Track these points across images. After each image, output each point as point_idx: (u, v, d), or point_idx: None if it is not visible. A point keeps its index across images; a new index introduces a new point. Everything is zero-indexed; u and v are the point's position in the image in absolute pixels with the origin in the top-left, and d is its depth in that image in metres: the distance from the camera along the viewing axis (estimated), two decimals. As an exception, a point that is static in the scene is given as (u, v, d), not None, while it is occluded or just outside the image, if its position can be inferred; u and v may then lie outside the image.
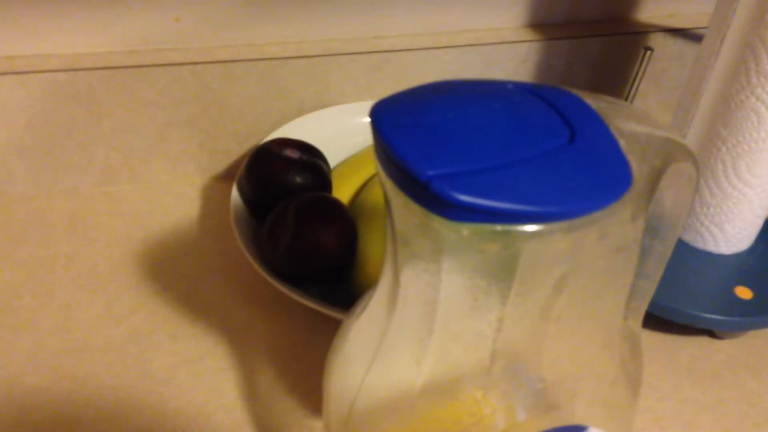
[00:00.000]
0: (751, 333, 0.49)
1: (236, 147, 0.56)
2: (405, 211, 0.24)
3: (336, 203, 0.44)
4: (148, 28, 0.50)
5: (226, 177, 0.58)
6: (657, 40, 0.59)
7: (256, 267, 0.43)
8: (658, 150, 0.26)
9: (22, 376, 0.43)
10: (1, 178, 0.53)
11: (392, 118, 0.23)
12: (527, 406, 0.29)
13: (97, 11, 0.49)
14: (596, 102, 0.26)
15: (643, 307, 0.35)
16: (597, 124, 0.24)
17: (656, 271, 0.33)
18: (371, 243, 0.45)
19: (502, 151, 0.23)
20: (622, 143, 0.25)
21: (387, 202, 0.26)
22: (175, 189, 0.57)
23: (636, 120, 0.27)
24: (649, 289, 0.34)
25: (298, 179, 0.46)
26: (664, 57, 0.60)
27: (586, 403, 0.31)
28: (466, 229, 0.23)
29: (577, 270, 0.26)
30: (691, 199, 0.30)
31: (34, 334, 0.46)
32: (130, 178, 0.56)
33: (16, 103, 0.50)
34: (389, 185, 0.24)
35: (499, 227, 0.22)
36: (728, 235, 0.47)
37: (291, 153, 0.47)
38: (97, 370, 0.44)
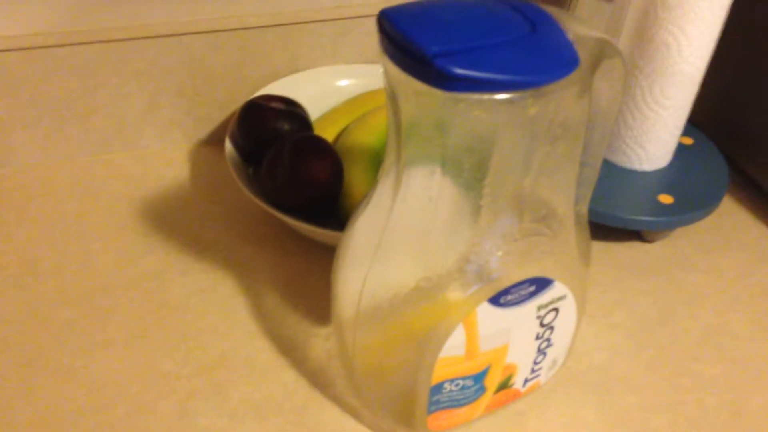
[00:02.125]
0: (674, 235, 0.58)
1: (218, 113, 0.63)
2: (409, 93, 0.31)
3: (325, 141, 0.51)
4: (137, 5, 0.56)
5: (209, 142, 0.64)
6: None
7: (257, 201, 0.50)
8: (594, 45, 0.34)
9: (54, 311, 0.48)
10: (5, 149, 0.58)
11: (398, 16, 0.31)
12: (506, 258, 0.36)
13: (90, -8, 0.55)
14: (548, 8, 0.34)
15: (588, 194, 0.43)
16: (551, 22, 0.32)
17: (596, 159, 0.41)
18: (354, 178, 0.52)
19: (483, 38, 0.30)
20: (570, 36, 0.33)
21: (392, 94, 0.33)
22: (165, 155, 0.62)
23: (578, 23, 0.35)
24: (592, 176, 0.42)
25: (287, 126, 0.53)
26: (586, 11, 0.69)
27: (552, 263, 0.39)
28: (459, 99, 0.30)
29: (539, 141, 0.34)
30: (621, 91, 0.38)
31: (59, 278, 0.51)
32: (123, 146, 0.61)
33: (20, 78, 0.55)
34: (396, 74, 0.31)
35: (485, 96, 0.30)
36: (649, 153, 0.56)
37: (277, 105, 0.54)
38: (121, 303, 0.49)
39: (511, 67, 0.30)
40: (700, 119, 0.65)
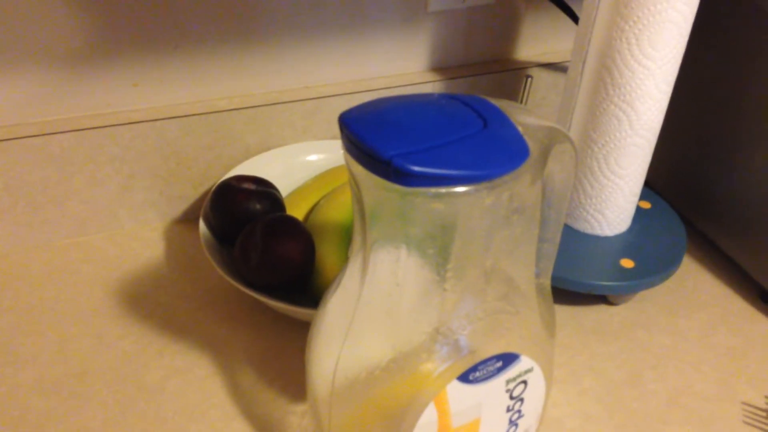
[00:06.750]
0: (638, 297, 0.60)
1: (192, 192, 0.64)
2: (372, 187, 0.33)
3: (296, 221, 0.52)
4: (111, 94, 0.58)
5: (184, 220, 0.65)
6: (534, 73, 0.72)
7: (230, 281, 0.51)
8: (544, 134, 0.37)
9: (32, 400, 0.48)
10: (-19, 238, 0.59)
11: (356, 120, 0.33)
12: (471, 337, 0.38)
13: (65, 83, 0.57)
14: (499, 103, 0.36)
15: (549, 267, 0.45)
16: (501, 116, 0.35)
17: (555, 235, 0.43)
18: (326, 254, 0.54)
19: (437, 136, 0.32)
20: (520, 129, 0.35)
21: (356, 187, 0.35)
22: (139, 234, 0.64)
23: (527, 115, 0.37)
24: (551, 251, 0.44)
25: (258, 206, 0.54)
26: (542, 87, 0.73)
27: (517, 338, 0.40)
28: (418, 193, 0.32)
29: (497, 226, 0.36)
30: (573, 173, 0.40)
31: (36, 366, 0.51)
32: (99, 228, 0.63)
33: (-5, 168, 0.56)
34: (359, 170, 0.33)
35: (443, 189, 0.32)
36: (609, 219, 0.59)
37: (249, 185, 0.56)
38: (98, 388, 0.50)
39: (465, 162, 0.32)
40: (656, 183, 0.68)
